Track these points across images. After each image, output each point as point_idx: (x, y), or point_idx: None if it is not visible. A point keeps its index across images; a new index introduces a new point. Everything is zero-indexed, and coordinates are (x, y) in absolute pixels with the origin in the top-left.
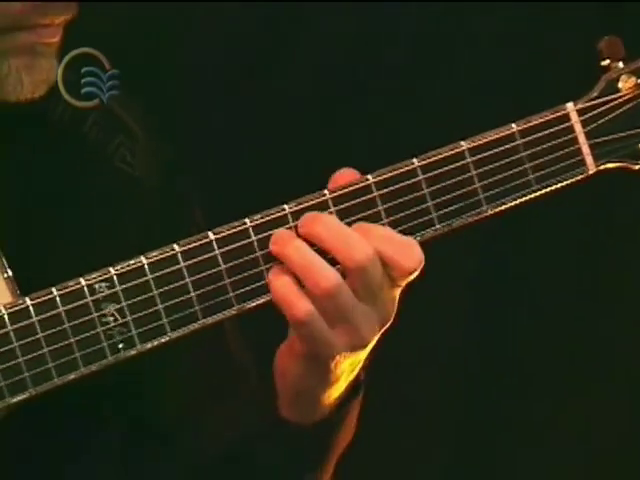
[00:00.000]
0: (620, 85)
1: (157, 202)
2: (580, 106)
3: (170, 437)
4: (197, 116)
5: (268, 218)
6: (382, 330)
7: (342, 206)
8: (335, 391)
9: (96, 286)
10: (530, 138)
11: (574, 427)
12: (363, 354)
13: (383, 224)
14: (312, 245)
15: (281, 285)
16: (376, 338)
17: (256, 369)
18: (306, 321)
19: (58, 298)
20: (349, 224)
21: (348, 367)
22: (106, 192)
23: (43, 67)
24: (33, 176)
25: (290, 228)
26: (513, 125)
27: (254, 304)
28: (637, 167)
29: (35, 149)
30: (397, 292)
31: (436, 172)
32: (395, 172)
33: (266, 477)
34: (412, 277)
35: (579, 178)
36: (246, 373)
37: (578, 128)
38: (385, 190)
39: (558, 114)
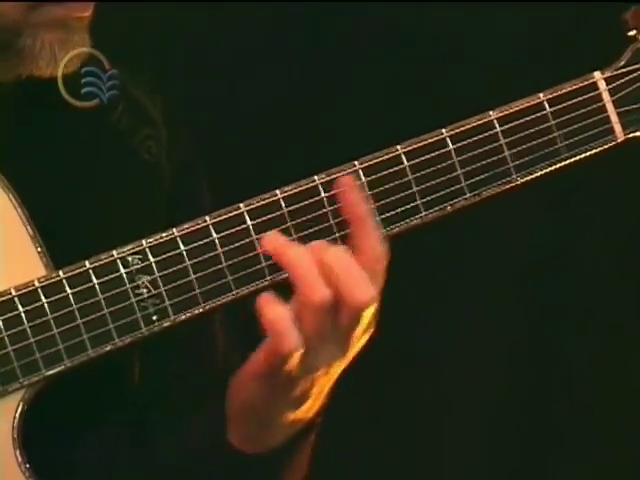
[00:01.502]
0: None
1: (171, 191)
2: (607, 74)
3: (150, 437)
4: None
5: (299, 189)
6: (333, 378)
7: (373, 177)
8: (283, 418)
9: (129, 258)
10: (558, 107)
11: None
12: (314, 392)
13: (413, 193)
14: None
15: (278, 319)
16: (328, 381)
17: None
18: (290, 352)
19: (91, 271)
20: (379, 194)
21: (299, 395)
22: (131, 179)
23: (76, 42)
24: (62, 159)
25: (321, 199)
26: (540, 94)
27: (286, 275)
28: None
29: (64, 133)
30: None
31: (465, 142)
32: (424, 142)
33: None
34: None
35: (608, 146)
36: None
37: (606, 96)
38: (414, 160)
39: (585, 83)
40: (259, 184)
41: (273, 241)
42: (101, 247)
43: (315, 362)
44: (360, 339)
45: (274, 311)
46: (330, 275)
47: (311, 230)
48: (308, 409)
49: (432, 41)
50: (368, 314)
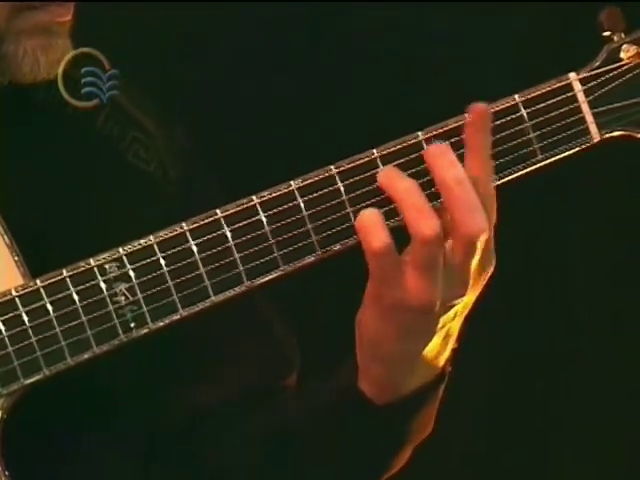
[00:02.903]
0: (622, 55)
1: (174, 196)
2: (583, 75)
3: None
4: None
5: (275, 194)
6: (462, 307)
7: (349, 181)
8: (410, 358)
9: (106, 266)
10: (533, 108)
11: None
12: (439, 328)
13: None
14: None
15: (368, 215)
16: (454, 315)
17: (299, 355)
18: (380, 252)
19: (68, 279)
20: (355, 198)
21: (420, 331)
22: (119, 186)
23: (59, 46)
24: (46, 167)
25: (297, 204)
26: (516, 96)
27: (263, 280)
28: None
29: (48, 141)
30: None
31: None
32: (400, 146)
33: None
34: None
35: (584, 147)
36: (290, 359)
37: (581, 97)
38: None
39: (561, 84)
40: (240, 188)
41: (387, 175)
42: (87, 250)
43: (432, 297)
44: (479, 275)
45: (368, 211)
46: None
47: (290, 234)
48: (437, 352)
49: (411, 44)
50: (482, 245)
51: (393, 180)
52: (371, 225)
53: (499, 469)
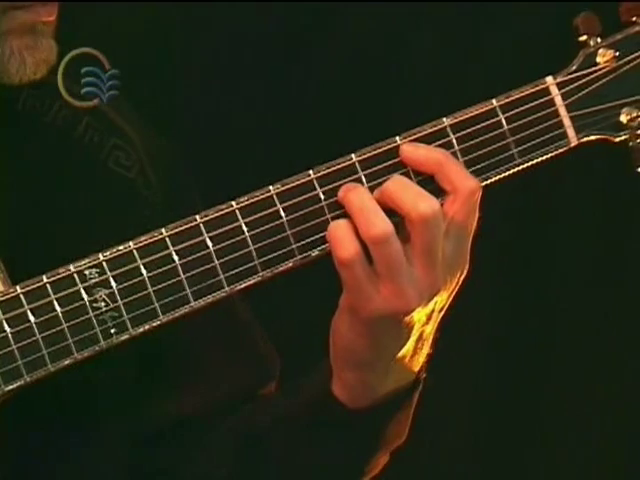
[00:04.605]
0: (598, 59)
1: (156, 203)
2: (560, 79)
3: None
4: (195, 114)
5: (254, 200)
6: (436, 308)
7: (328, 187)
8: (383, 362)
9: (86, 272)
10: (511, 113)
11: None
12: (414, 332)
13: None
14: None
15: (336, 226)
16: (428, 318)
17: (280, 359)
18: (348, 263)
19: (49, 285)
20: (334, 205)
21: (394, 337)
22: (100, 193)
23: (44, 46)
24: (26, 175)
25: (277, 210)
26: (493, 100)
27: (244, 285)
28: (617, 139)
29: (26, 150)
30: (459, 259)
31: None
32: (378, 150)
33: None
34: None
35: (561, 150)
36: (269, 367)
37: (558, 101)
38: (368, 170)
39: (538, 88)
40: (220, 193)
41: (344, 189)
42: (68, 257)
43: (409, 300)
44: (450, 277)
45: (337, 222)
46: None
47: (268, 241)
48: (411, 357)
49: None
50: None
51: (345, 192)
52: (340, 236)
53: (495, 469)
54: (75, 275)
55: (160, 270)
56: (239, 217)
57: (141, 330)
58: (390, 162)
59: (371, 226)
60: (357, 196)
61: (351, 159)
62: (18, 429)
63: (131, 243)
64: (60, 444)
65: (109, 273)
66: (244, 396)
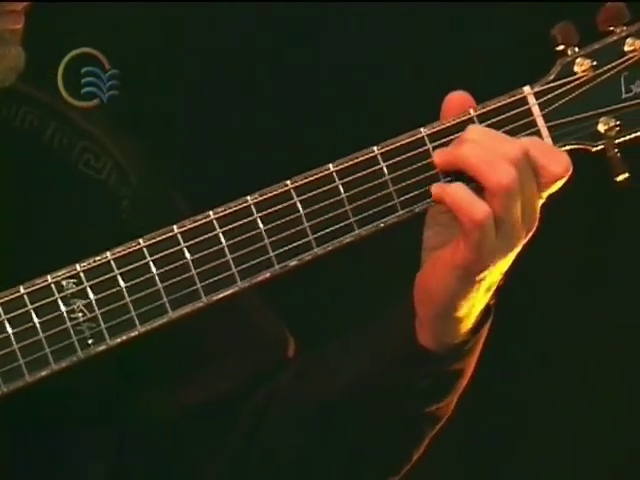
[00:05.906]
0: (576, 69)
1: (137, 200)
2: (537, 89)
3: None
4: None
5: (230, 210)
6: (499, 272)
7: (305, 196)
8: (474, 306)
9: (64, 283)
10: (489, 122)
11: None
12: (503, 268)
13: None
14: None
15: (457, 188)
16: (497, 274)
17: (292, 336)
18: (484, 222)
19: (26, 296)
20: (312, 213)
21: (489, 281)
22: (70, 197)
23: (12, 54)
24: None
25: (254, 219)
26: (471, 111)
27: (221, 295)
28: (595, 149)
29: None
30: (539, 205)
31: (396, 159)
32: (356, 160)
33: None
34: (558, 186)
35: None
36: (281, 343)
37: (536, 111)
38: (346, 179)
39: (515, 97)
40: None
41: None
42: (43, 265)
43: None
44: (524, 232)
45: (454, 185)
46: None
47: (246, 250)
48: (479, 301)
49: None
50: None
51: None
52: (468, 197)
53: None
54: (52, 285)
55: (137, 280)
56: (216, 226)
57: (119, 340)
58: (370, 170)
59: (502, 173)
60: (473, 149)
61: (328, 169)
62: (5, 433)
63: (108, 253)
64: (49, 446)
65: (86, 283)
66: (252, 382)
